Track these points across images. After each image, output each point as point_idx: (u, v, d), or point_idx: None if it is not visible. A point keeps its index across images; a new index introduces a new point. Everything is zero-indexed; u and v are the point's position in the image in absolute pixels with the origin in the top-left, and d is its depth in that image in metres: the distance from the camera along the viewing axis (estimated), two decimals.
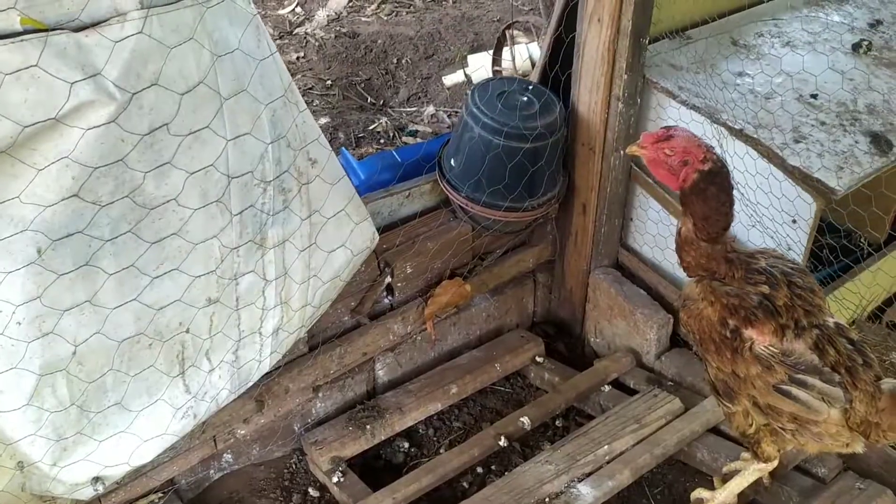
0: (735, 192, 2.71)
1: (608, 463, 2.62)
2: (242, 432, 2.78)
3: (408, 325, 3.10)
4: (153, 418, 2.18)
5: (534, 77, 3.32)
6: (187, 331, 2.14)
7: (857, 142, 2.76)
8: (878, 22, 3.39)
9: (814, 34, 3.27)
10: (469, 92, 3.01)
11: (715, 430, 2.76)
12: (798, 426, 2.00)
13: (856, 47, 3.18)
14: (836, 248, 3.11)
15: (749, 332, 1.96)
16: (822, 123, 2.83)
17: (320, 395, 2.97)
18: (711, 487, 2.70)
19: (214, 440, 2.68)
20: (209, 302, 2.14)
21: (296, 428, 2.95)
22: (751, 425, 2.13)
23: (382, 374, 3.17)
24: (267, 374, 2.60)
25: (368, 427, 2.90)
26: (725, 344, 2.00)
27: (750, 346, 1.97)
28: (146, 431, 2.17)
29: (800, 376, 1.93)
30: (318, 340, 2.85)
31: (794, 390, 1.94)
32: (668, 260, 3.14)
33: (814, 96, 2.94)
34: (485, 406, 3.26)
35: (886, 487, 2.22)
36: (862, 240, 3.23)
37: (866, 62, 3.16)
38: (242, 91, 1.95)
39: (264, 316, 2.34)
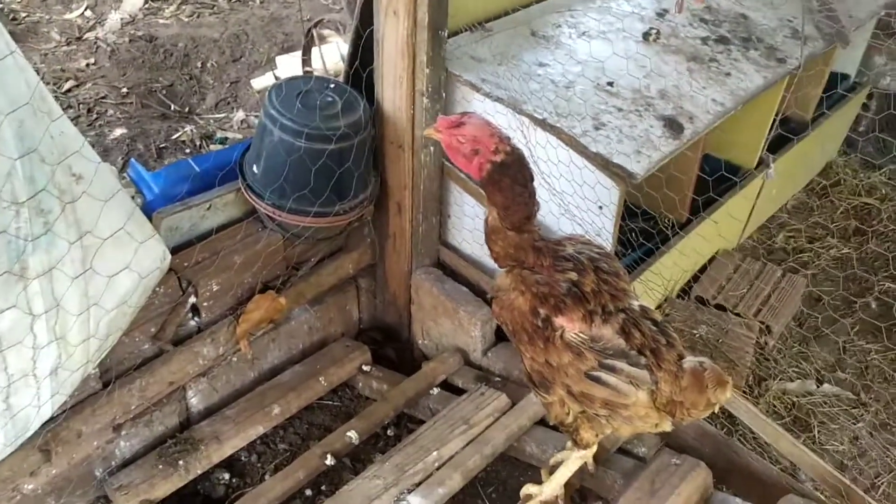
0: (541, 181, 2.76)
1: (438, 469, 2.53)
2: (31, 486, 2.45)
3: (219, 347, 2.87)
4: None
5: (342, 76, 3.19)
6: None
7: (651, 126, 2.84)
8: (666, 11, 3.54)
9: (607, 24, 3.35)
10: (267, 93, 2.82)
11: (542, 423, 2.74)
12: (610, 411, 2.00)
13: (645, 36, 3.29)
14: (640, 231, 3.21)
15: (559, 320, 1.93)
16: (619, 110, 2.89)
17: (123, 433, 2.68)
18: (541, 481, 2.70)
19: None
20: None
21: (97, 473, 2.65)
22: (568, 414, 2.11)
23: (196, 402, 2.92)
24: (52, 419, 2.31)
25: (181, 462, 2.65)
26: (538, 333, 1.96)
27: (561, 334, 1.94)
28: None
29: (608, 361, 1.92)
30: (113, 374, 2.57)
31: (604, 376, 1.93)
32: (488, 255, 3.10)
33: (610, 84, 3.00)
34: (312, 423, 3.09)
35: (700, 460, 2.28)
36: (665, 222, 3.35)
37: (655, 49, 3.27)
38: None
39: (36, 355, 2.06)
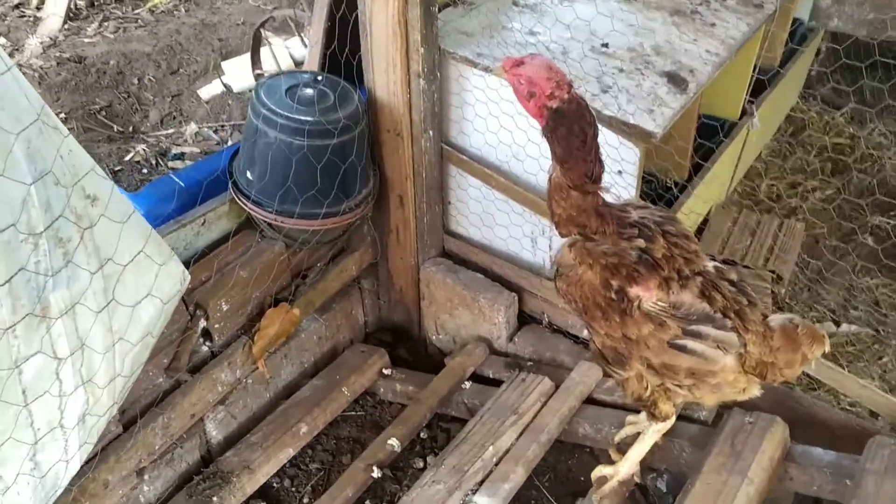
0: None
1: (497, 465, 2.40)
2: None
3: (236, 371, 2.67)
4: None
5: (309, 68, 3.01)
6: None
7: (656, 83, 2.76)
8: None
9: None
10: (253, 94, 2.62)
11: (590, 401, 2.64)
12: (696, 380, 1.90)
13: None
14: (644, 195, 3.15)
15: (635, 291, 1.82)
16: (621, 70, 2.80)
17: (146, 477, 2.47)
18: (596, 462, 2.60)
19: None
20: None
21: None
22: (646, 388, 2.01)
23: (216, 432, 2.71)
24: (78, 471, 2.07)
25: (215, 499, 2.46)
26: (612, 307, 1.84)
27: (638, 305, 1.83)
28: None
29: (693, 327, 1.82)
30: (133, 414, 2.35)
31: (690, 343, 1.83)
32: (499, 237, 2.99)
33: (605, 45, 2.91)
34: (339, 437, 2.91)
35: (774, 415, 2.22)
36: (670, 183, 3.29)
37: (638, 7, 3.20)
38: None
39: (64, 404, 1.83)
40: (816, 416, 2.37)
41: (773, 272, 3.35)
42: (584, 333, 2.89)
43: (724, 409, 2.49)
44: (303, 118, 2.52)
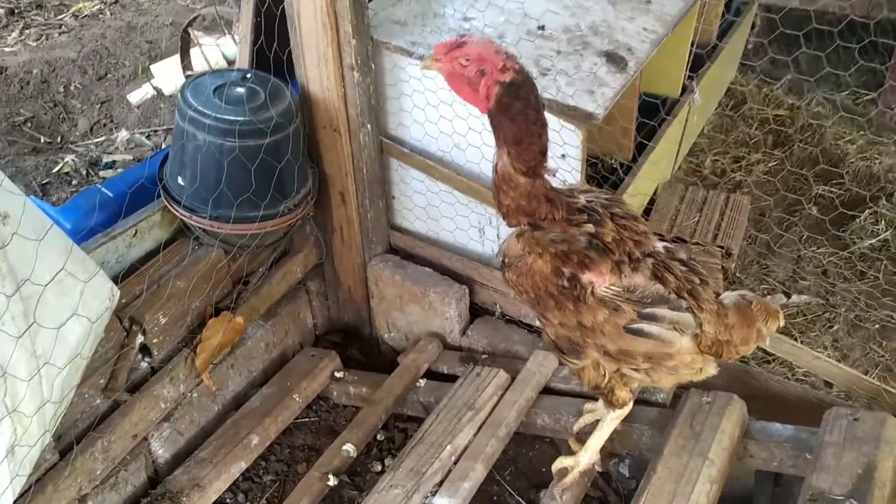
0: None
1: (456, 463, 2.34)
2: None
3: (180, 385, 2.56)
4: None
5: (246, 63, 2.89)
6: None
7: (595, 64, 2.71)
8: None
9: None
10: (179, 95, 2.50)
11: (547, 391, 2.59)
12: (653, 364, 1.86)
13: None
14: (589, 179, 3.11)
15: (587, 277, 1.77)
16: (558, 52, 2.74)
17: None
18: (556, 453, 2.56)
19: None
20: None
21: None
22: (603, 376, 1.96)
23: (162, 451, 2.59)
24: None
25: None
26: (565, 295, 1.78)
27: (591, 291, 1.77)
28: None
29: (648, 310, 1.78)
30: (69, 439, 2.22)
31: (646, 327, 1.79)
32: (446, 229, 2.92)
33: (541, 28, 2.85)
34: (293, 446, 2.82)
35: (731, 393, 2.19)
36: (615, 164, 3.26)
37: None
38: None
39: None
40: (772, 390, 2.36)
41: (721, 247, 3.35)
42: (538, 323, 2.84)
43: (682, 390, 2.46)
44: (232, 118, 2.41)
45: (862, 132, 4.10)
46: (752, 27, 4.85)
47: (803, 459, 2.05)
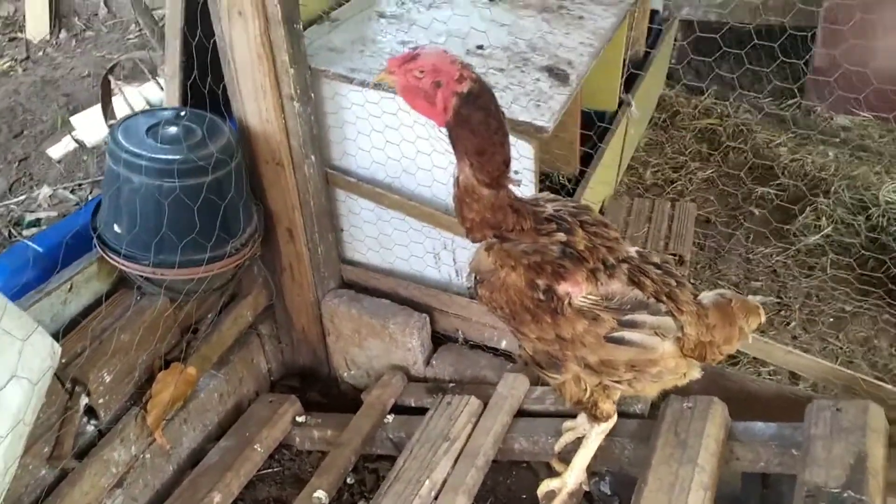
0: (450, 163, 2.53)
1: (437, 498, 2.22)
2: None
3: (131, 447, 2.39)
4: None
5: (177, 101, 2.77)
6: None
7: (538, 79, 2.69)
8: None
9: None
10: (110, 138, 2.37)
11: (521, 413, 2.51)
12: (636, 373, 1.80)
13: None
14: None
15: (563, 287, 1.70)
16: (500, 70, 2.71)
17: None
18: (535, 477, 2.48)
19: None
20: None
21: None
22: (585, 390, 1.89)
23: None
24: None
25: None
26: (541, 308, 1.71)
27: (569, 302, 1.71)
28: None
29: (628, 317, 1.72)
30: None
31: (627, 334, 1.73)
32: (400, 258, 2.83)
33: (480, 47, 2.82)
34: (258, 500, 2.66)
35: (712, 396, 2.15)
36: (563, 179, 3.24)
37: (505, 9, 3.15)
38: None
39: None
40: (748, 389, 2.33)
41: (674, 255, 3.36)
42: (504, 345, 2.77)
43: (659, 399, 2.42)
44: (170, 157, 2.29)
45: (792, 134, 4.21)
46: (675, 41, 4.97)
47: (790, 456, 2.02)
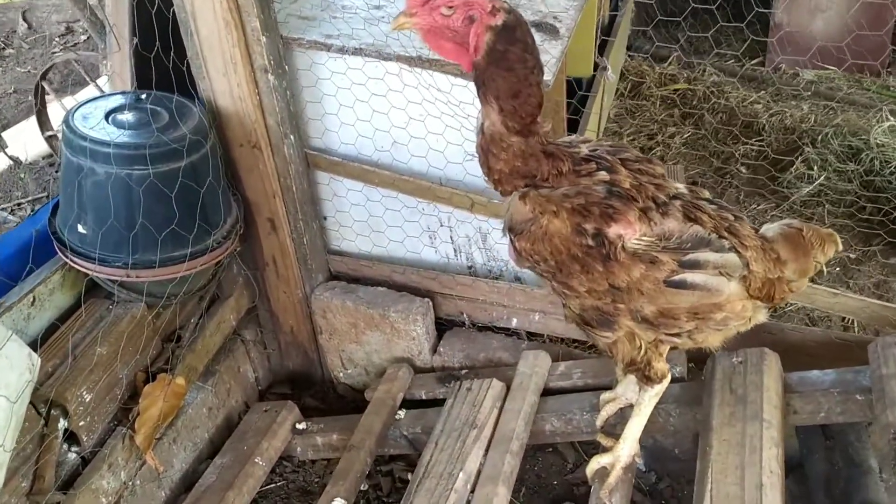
0: (446, 125, 2.33)
1: (473, 491, 2.01)
2: None
3: (120, 473, 2.11)
4: None
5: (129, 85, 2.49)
6: None
7: None
8: None
9: None
10: (65, 128, 2.09)
11: (546, 392, 2.31)
12: (698, 322, 1.62)
13: None
14: None
15: (614, 230, 1.52)
16: None
17: None
18: (562, 460, 2.31)
19: None
20: None
21: None
22: (639, 348, 1.71)
23: None
24: None
25: None
26: (591, 255, 1.53)
27: (622, 246, 1.53)
28: None
29: (690, 257, 1.55)
30: None
31: (689, 276, 1.55)
32: (394, 240, 2.61)
33: None
34: None
35: (762, 347, 2.00)
36: None
37: None
38: None
39: None
40: (788, 340, 2.18)
41: None
42: (514, 323, 2.57)
43: (694, 362, 2.26)
44: (139, 142, 2.03)
45: (763, 92, 4.14)
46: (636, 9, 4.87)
47: (854, 403, 1.87)
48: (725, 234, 1.58)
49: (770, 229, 1.70)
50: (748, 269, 1.60)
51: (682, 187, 1.65)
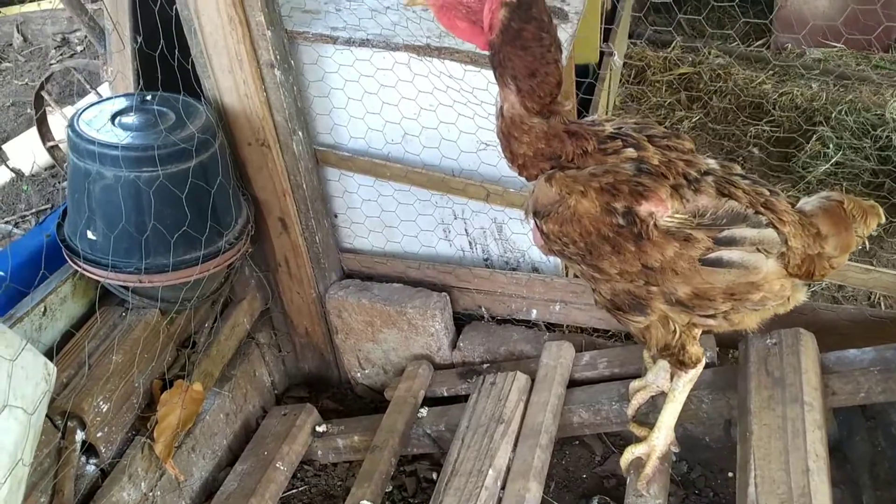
0: (458, 114, 2.27)
1: (504, 487, 1.96)
2: None
3: (140, 484, 2.05)
4: None
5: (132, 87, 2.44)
6: None
7: None
8: None
9: None
10: (69, 132, 2.03)
11: (572, 383, 2.26)
12: (735, 302, 1.57)
13: None
14: None
15: (645, 207, 1.46)
16: None
17: None
18: (590, 453, 2.25)
19: None
20: None
21: None
22: (673, 332, 1.65)
23: None
24: None
25: None
26: (622, 235, 1.47)
27: (654, 224, 1.47)
28: None
29: (726, 233, 1.49)
30: None
31: (725, 254, 1.50)
32: (407, 234, 2.56)
33: None
34: None
35: (797, 328, 1.94)
36: None
37: None
38: None
39: None
40: (821, 320, 2.12)
41: None
42: (534, 315, 2.52)
43: (724, 346, 2.20)
44: (147, 143, 1.97)
45: (771, 72, 4.08)
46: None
47: (895, 381, 1.81)
48: (762, 210, 1.53)
49: (808, 203, 1.65)
50: (787, 246, 1.54)
51: (713, 163, 1.59)
